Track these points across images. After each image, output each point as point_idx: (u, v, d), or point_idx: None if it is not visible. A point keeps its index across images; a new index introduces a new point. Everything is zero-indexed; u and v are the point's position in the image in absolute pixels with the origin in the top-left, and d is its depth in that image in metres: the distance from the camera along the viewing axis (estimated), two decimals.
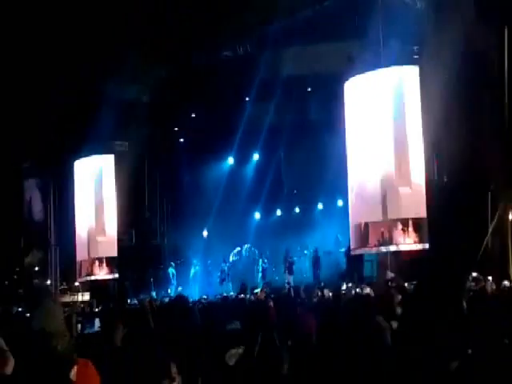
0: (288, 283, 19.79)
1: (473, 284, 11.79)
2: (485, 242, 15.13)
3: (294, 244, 23.22)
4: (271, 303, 9.22)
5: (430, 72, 16.09)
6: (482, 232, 15.34)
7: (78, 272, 24.77)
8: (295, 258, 22.85)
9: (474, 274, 12.11)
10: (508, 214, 15.30)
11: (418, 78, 16.70)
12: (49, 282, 25.75)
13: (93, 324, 8.23)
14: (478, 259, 14.55)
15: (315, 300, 12.36)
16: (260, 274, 23.18)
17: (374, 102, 17.21)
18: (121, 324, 5.99)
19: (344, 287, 15.54)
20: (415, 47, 16.90)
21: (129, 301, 17.03)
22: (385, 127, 16.96)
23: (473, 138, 15.91)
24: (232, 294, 20.30)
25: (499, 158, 15.99)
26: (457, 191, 15.55)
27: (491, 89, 16.72)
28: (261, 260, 23.37)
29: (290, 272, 22.27)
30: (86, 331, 8.27)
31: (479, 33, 16.57)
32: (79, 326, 8.54)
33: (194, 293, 22.75)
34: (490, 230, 15.32)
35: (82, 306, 18.10)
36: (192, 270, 24.65)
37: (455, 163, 16.14)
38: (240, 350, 4.87)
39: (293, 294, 15.69)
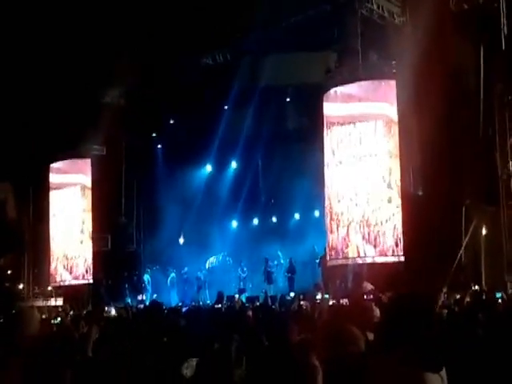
0: (265, 292, 19.73)
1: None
2: (458, 256, 15.31)
3: (271, 253, 23.22)
4: (250, 312, 9.24)
5: (407, 86, 16.26)
6: (455, 246, 15.52)
7: (51, 276, 24.62)
8: (273, 268, 22.86)
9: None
10: (481, 229, 15.50)
11: (395, 91, 16.93)
12: (21, 286, 25.46)
13: None
14: (452, 273, 14.72)
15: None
16: (241, 283, 23.15)
17: (351, 115, 17.41)
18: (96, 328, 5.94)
19: (319, 297, 15.58)
20: (393, 61, 17.07)
21: (106, 308, 16.84)
22: (362, 140, 17.18)
23: (448, 151, 16.09)
24: (209, 302, 20.27)
25: (474, 172, 16.19)
26: (431, 205, 15.70)
27: (467, 103, 16.94)
28: (240, 268, 23.36)
29: (270, 282, 22.31)
30: None
31: (456, 48, 16.82)
32: None
33: (172, 300, 22.67)
34: (464, 244, 15.49)
35: (60, 310, 17.91)
36: (169, 277, 24.56)
37: (430, 177, 16.32)
38: (193, 362, 4.80)
39: (270, 302, 15.80)
